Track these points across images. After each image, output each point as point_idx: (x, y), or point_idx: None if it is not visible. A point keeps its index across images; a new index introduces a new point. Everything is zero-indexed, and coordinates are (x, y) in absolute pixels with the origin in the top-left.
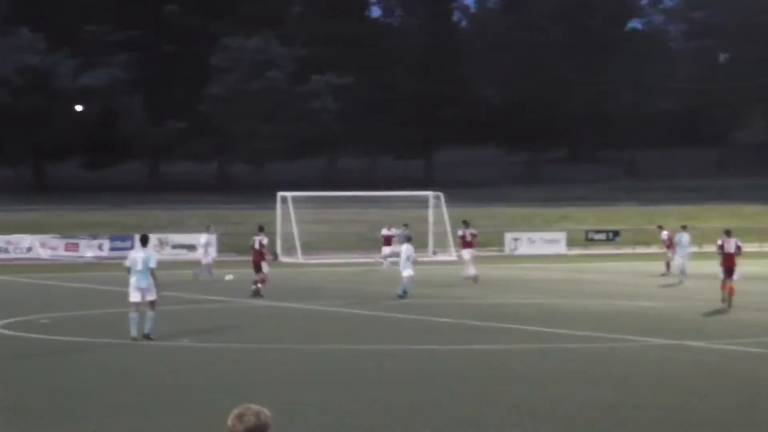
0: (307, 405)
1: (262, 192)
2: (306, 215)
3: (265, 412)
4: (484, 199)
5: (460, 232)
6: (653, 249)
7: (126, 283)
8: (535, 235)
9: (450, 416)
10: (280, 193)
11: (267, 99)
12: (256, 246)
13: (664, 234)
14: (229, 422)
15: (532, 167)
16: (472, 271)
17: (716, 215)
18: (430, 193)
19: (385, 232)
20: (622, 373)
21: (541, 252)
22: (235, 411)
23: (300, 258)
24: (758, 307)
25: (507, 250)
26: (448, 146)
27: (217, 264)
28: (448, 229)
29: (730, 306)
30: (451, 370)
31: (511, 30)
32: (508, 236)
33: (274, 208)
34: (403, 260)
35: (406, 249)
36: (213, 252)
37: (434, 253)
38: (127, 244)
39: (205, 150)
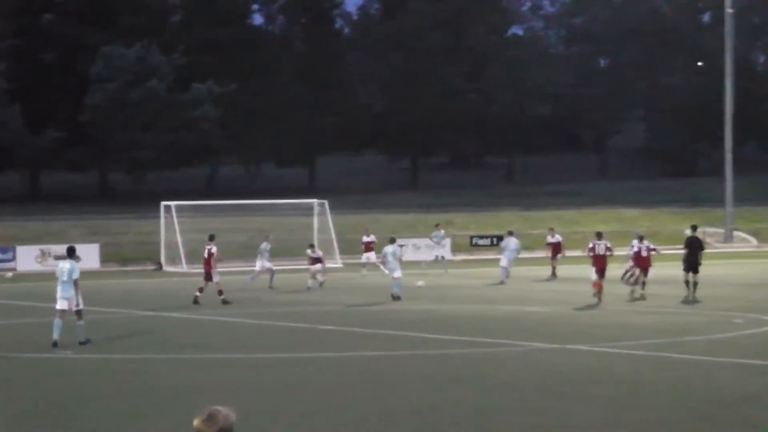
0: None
1: (144, 201)
2: (189, 224)
3: (232, 413)
4: (367, 205)
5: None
6: (537, 254)
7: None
8: (421, 241)
9: (332, 423)
10: (163, 203)
11: (147, 108)
12: (206, 255)
13: (555, 238)
14: (199, 425)
15: (415, 173)
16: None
17: (597, 220)
18: (314, 201)
19: (365, 239)
20: (504, 377)
21: (427, 258)
22: (204, 413)
23: (184, 267)
24: (639, 310)
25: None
26: (330, 153)
27: (101, 275)
28: (334, 236)
29: (599, 301)
30: (336, 377)
31: (393, 36)
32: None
33: (155, 217)
34: (390, 262)
35: (393, 251)
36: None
37: None
38: (9, 255)
39: (86, 160)
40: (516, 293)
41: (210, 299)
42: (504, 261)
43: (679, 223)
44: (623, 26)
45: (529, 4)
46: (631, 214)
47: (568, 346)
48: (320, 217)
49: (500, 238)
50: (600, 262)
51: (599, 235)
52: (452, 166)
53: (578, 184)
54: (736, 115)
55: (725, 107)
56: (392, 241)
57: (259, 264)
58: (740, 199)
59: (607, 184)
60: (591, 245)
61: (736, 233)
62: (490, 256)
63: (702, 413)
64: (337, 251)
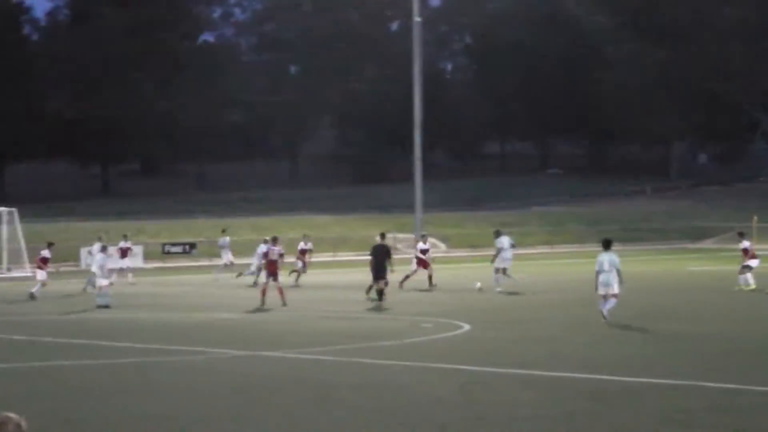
0: None
1: None
2: None
3: (24, 421)
4: (58, 213)
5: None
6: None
7: None
8: (112, 249)
9: None
10: None
11: None
12: (274, 257)
13: (308, 245)
14: None
15: (107, 181)
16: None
17: (287, 226)
18: (3, 209)
19: (302, 246)
20: (197, 384)
21: (118, 265)
22: None
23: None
24: (330, 315)
25: (83, 264)
26: (20, 161)
27: None
28: (23, 245)
29: (284, 305)
30: (20, 389)
31: (83, 43)
32: (84, 251)
33: None
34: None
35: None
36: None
37: (8, 269)
38: None
39: None
40: (210, 300)
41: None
42: (500, 262)
43: (369, 229)
44: (313, 34)
45: (219, 11)
46: (322, 221)
47: (261, 353)
48: (9, 225)
49: (193, 245)
50: (272, 267)
51: (275, 240)
52: (144, 173)
53: (270, 191)
54: (425, 122)
55: (414, 114)
56: (104, 249)
57: None
58: (430, 205)
59: (299, 191)
60: (264, 250)
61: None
62: (183, 263)
63: (393, 416)
64: (26, 260)
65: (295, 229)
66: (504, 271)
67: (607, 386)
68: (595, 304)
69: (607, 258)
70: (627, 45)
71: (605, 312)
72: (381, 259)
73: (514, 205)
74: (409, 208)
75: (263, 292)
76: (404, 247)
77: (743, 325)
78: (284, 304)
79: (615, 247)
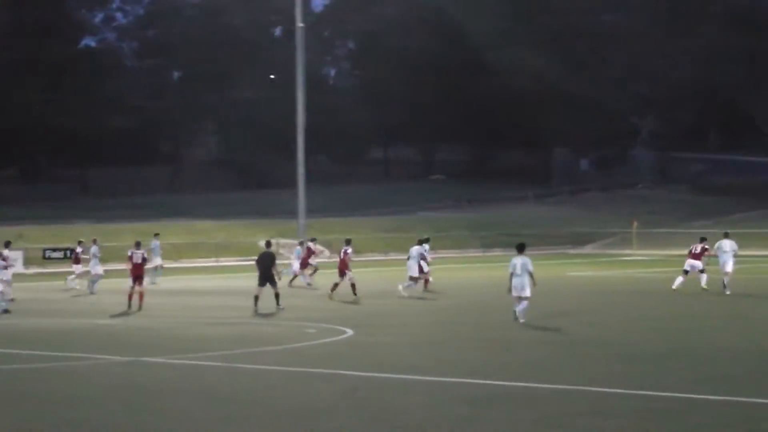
0: None
1: None
2: None
3: None
4: None
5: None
6: (117, 266)
7: None
8: None
9: None
10: None
11: None
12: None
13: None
14: None
15: None
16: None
17: (171, 232)
18: None
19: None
20: (79, 391)
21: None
22: None
23: None
24: (214, 321)
25: None
26: None
27: None
28: None
29: (140, 309)
30: None
31: None
32: None
33: None
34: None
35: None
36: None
37: None
38: None
39: None
40: (90, 306)
41: None
42: (414, 270)
43: (253, 234)
44: (196, 39)
45: (101, 15)
46: (205, 226)
47: (144, 359)
48: None
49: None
50: (137, 270)
51: (138, 245)
52: (23, 178)
53: (153, 196)
54: (309, 128)
55: (297, 119)
56: None
57: None
58: (313, 211)
59: (182, 196)
60: (129, 254)
61: (309, 244)
62: (64, 269)
63: (273, 423)
64: None
65: (179, 234)
66: (414, 279)
67: (493, 391)
68: (480, 308)
69: (520, 261)
70: (509, 51)
71: (519, 314)
72: (266, 266)
73: (398, 210)
74: (293, 213)
75: (130, 297)
76: (287, 252)
77: (643, 331)
78: (139, 308)
79: (497, 252)
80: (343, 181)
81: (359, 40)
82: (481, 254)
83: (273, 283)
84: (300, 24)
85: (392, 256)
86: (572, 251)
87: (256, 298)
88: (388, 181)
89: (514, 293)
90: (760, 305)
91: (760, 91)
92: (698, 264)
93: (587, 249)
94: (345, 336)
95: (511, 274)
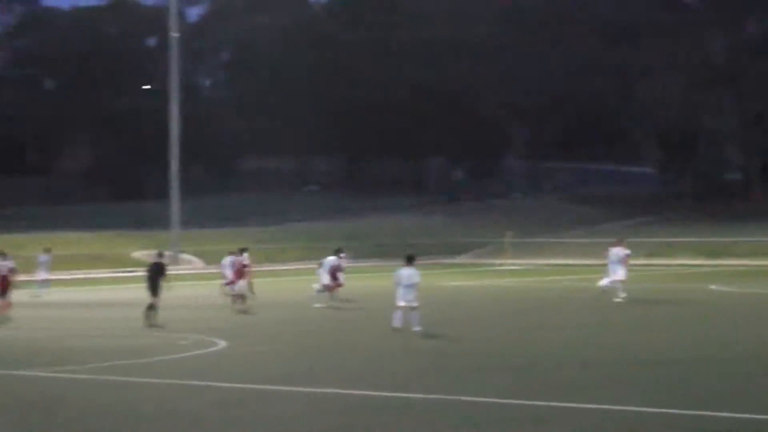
0: None
1: None
2: None
3: None
4: None
5: None
6: None
7: None
8: None
9: None
10: None
11: None
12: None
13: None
14: None
15: None
16: None
17: (43, 243)
18: None
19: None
20: None
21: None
22: None
23: None
24: (87, 333)
25: None
26: None
27: None
28: None
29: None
30: None
31: None
32: None
33: None
34: None
35: None
36: None
37: None
38: None
39: None
40: None
41: None
42: (324, 279)
43: (125, 246)
44: (69, 49)
45: None
46: (77, 237)
47: (15, 372)
48: None
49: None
50: (2, 282)
51: (3, 256)
52: None
53: (25, 207)
54: (183, 138)
55: (171, 130)
56: None
57: None
58: (187, 222)
59: (54, 207)
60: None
61: (183, 255)
62: None
63: None
64: None
65: (52, 246)
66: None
67: (368, 401)
68: (354, 318)
69: (407, 272)
70: (381, 62)
71: (412, 322)
72: (155, 276)
73: (272, 221)
74: (167, 224)
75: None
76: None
77: (516, 341)
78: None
79: (373, 262)
80: (217, 191)
81: (233, 50)
82: (356, 264)
83: (157, 293)
84: (174, 34)
85: (266, 267)
86: (446, 261)
87: (150, 306)
88: (262, 191)
89: (402, 303)
90: (628, 312)
91: (630, 102)
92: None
93: (461, 258)
94: (218, 347)
95: (397, 285)
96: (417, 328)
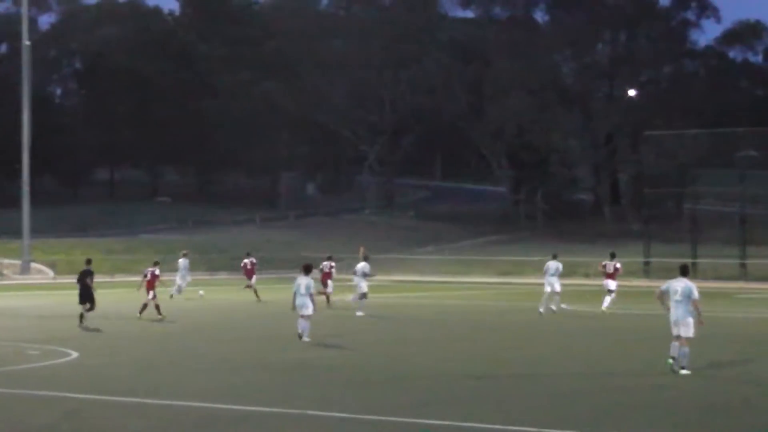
0: None
1: None
2: None
3: None
4: None
5: None
6: None
7: None
8: None
9: None
10: None
11: None
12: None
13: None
14: None
15: None
16: None
17: None
18: None
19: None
20: None
21: None
22: None
23: None
24: None
25: None
26: None
27: None
28: None
29: None
30: None
31: None
32: None
33: None
34: None
35: None
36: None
37: None
38: None
39: None
40: None
41: None
42: (363, 287)
43: None
44: None
45: None
46: None
47: None
48: None
49: None
50: None
51: None
52: None
53: None
54: (34, 147)
55: (23, 139)
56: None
57: None
58: (37, 231)
59: None
60: None
61: (33, 265)
62: None
63: None
64: None
65: None
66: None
67: (218, 414)
68: (207, 330)
69: (305, 282)
70: (235, 74)
71: (301, 332)
72: (85, 283)
73: (123, 232)
74: (17, 233)
75: None
76: (11, 273)
77: (374, 355)
78: None
79: (222, 275)
80: (68, 201)
81: (86, 59)
82: (208, 277)
83: (88, 300)
84: (26, 42)
85: (118, 278)
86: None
87: (81, 315)
88: (113, 202)
89: (298, 311)
90: (478, 331)
91: (482, 121)
92: (611, 284)
93: (314, 274)
94: (69, 358)
95: (295, 293)
96: (306, 339)
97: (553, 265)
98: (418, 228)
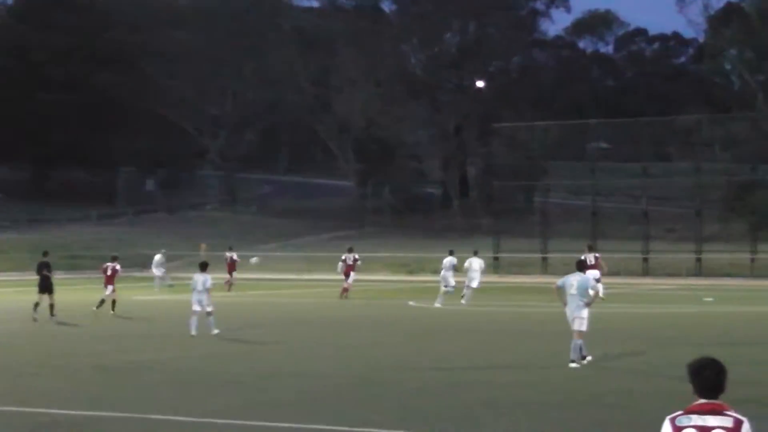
0: None
1: None
2: None
3: None
4: None
5: None
6: None
7: None
8: None
9: None
10: None
11: None
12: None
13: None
14: None
15: None
16: None
17: None
18: None
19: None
20: None
21: None
22: None
23: None
24: None
25: None
26: None
27: None
28: None
29: None
30: None
31: None
32: None
33: None
34: None
35: None
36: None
37: None
38: None
39: None
40: None
41: None
42: (451, 280)
43: None
44: None
45: None
46: None
47: None
48: None
49: None
50: None
51: None
52: None
53: None
54: None
55: None
56: None
57: None
58: None
59: None
60: None
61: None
62: None
63: None
64: None
65: None
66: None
67: (58, 419)
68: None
69: (201, 278)
70: (71, 67)
71: (210, 325)
72: (44, 274)
73: None
74: None
75: None
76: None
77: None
78: None
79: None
80: None
81: None
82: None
83: (50, 292)
84: None
85: None
86: (138, 274)
87: (36, 304)
88: None
89: (198, 308)
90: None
91: (328, 113)
92: (595, 273)
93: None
94: None
95: (193, 290)
96: (215, 331)
97: (475, 261)
98: (261, 224)
